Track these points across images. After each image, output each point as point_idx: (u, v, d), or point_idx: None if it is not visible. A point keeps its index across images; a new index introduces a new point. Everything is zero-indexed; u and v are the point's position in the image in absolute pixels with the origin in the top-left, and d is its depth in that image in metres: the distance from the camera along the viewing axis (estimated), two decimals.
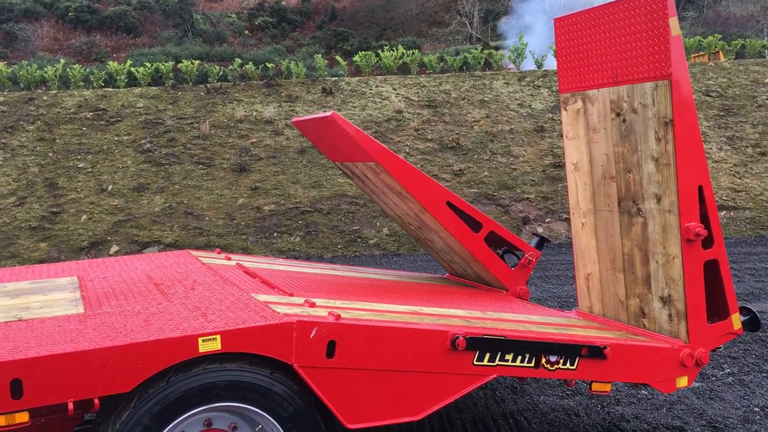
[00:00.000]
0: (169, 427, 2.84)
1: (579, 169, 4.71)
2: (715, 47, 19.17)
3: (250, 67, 17.33)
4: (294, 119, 5.30)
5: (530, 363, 3.58)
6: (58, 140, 14.17)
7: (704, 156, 4.05)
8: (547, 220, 12.67)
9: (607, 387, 3.85)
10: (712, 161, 14.11)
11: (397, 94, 16.23)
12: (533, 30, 27.91)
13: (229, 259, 5.22)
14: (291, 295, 3.73)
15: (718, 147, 14.61)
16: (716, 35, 19.92)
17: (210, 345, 2.87)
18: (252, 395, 2.97)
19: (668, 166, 3.98)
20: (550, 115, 15.42)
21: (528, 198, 13.11)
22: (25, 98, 15.47)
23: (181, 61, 18.09)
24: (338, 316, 3.18)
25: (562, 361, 3.65)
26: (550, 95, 16.17)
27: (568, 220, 12.40)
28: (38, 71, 16.76)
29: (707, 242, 4.07)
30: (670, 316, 4.13)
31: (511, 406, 4.93)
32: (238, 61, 17.92)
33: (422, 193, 4.68)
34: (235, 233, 12.08)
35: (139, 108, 15.41)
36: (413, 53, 18.21)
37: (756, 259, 10.25)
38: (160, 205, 12.61)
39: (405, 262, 10.96)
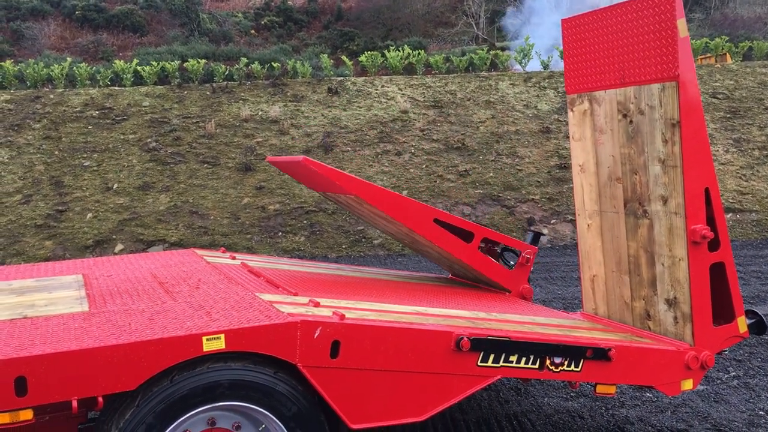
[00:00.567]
0: (172, 426, 2.84)
1: (585, 171, 4.70)
2: (722, 49, 19.10)
3: (256, 66, 17.34)
4: (269, 158, 5.39)
5: (534, 364, 3.57)
6: (64, 138, 14.21)
7: (711, 158, 4.03)
8: (552, 221, 12.65)
9: (612, 389, 3.84)
10: (719, 163, 14.07)
11: (403, 94, 16.22)
12: (538, 27, 27.84)
13: (233, 258, 5.23)
14: (295, 294, 3.73)
15: (725, 149, 14.56)
16: (723, 37, 19.85)
17: (214, 344, 2.87)
18: (256, 394, 2.97)
19: (675, 168, 3.97)
20: (556, 116, 15.40)
21: (533, 199, 13.09)
22: (32, 96, 15.51)
23: (187, 60, 18.12)
24: (342, 316, 3.17)
25: (566, 362, 3.64)
26: (555, 96, 16.14)
27: (573, 222, 12.38)
28: (45, 69, 16.80)
29: (713, 245, 4.06)
30: (675, 318, 4.11)
31: (515, 407, 4.92)
32: (244, 60, 17.93)
33: (408, 216, 4.72)
34: (240, 232, 12.09)
35: (145, 107, 15.44)
36: (419, 53, 18.20)
37: (762, 261, 10.21)
38: (166, 203, 12.62)
39: (409, 262, 10.96)
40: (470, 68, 18.30)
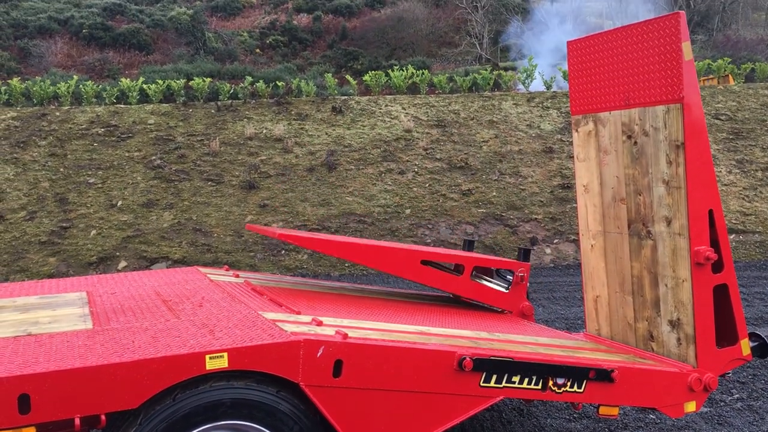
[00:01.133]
0: None
1: (589, 191, 4.71)
2: (725, 71, 19.18)
3: (260, 85, 17.44)
4: (248, 225, 5.51)
5: (537, 385, 3.56)
6: (69, 156, 14.27)
7: (715, 180, 4.04)
8: (555, 241, 12.64)
9: (615, 411, 3.83)
10: (722, 184, 14.07)
11: (407, 113, 16.29)
12: (542, 46, 27.99)
13: (237, 276, 5.23)
14: (298, 313, 3.73)
15: (728, 170, 14.57)
16: (726, 59, 19.93)
17: (217, 362, 2.87)
18: (258, 413, 2.96)
19: (679, 189, 3.98)
20: (559, 137, 15.44)
21: (536, 219, 13.09)
22: (38, 114, 15.61)
23: (192, 79, 18.23)
24: (345, 335, 3.17)
25: (569, 383, 3.63)
26: (559, 116, 16.19)
27: (576, 242, 12.36)
28: (51, 87, 16.91)
29: (717, 266, 4.06)
30: (678, 340, 4.10)
31: (518, 428, 4.89)
32: (249, 79, 18.04)
33: (394, 265, 4.80)
34: (243, 250, 12.10)
35: (150, 124, 15.52)
36: (423, 73, 18.30)
37: (765, 283, 10.18)
38: (169, 221, 12.65)
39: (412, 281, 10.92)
40: (473, 88, 18.39)
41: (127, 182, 13.64)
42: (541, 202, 13.53)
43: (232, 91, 17.54)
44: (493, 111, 16.45)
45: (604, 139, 4.51)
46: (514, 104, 16.78)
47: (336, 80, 18.79)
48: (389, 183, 13.90)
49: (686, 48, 3.86)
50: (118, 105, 16.57)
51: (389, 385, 3.21)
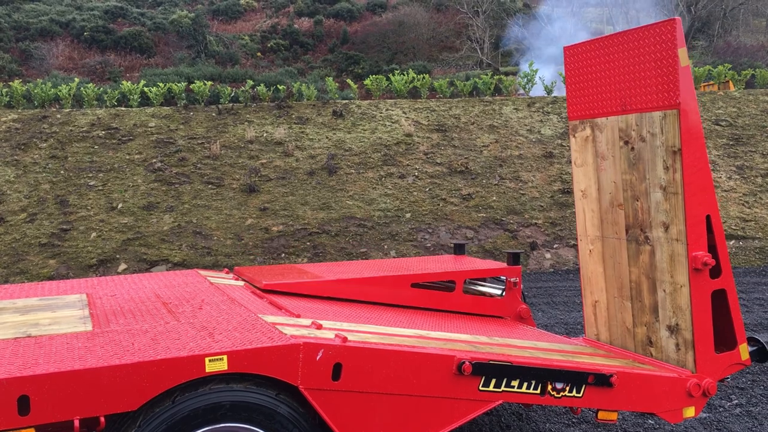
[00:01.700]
0: None
1: (587, 196, 4.73)
2: (725, 77, 19.22)
3: (261, 88, 17.47)
4: (236, 269, 5.54)
5: (536, 390, 3.57)
6: (70, 158, 14.29)
7: (712, 185, 4.06)
8: (554, 245, 12.65)
9: (614, 416, 3.83)
10: (722, 190, 14.09)
11: (407, 117, 16.31)
12: (543, 51, 28.03)
13: (237, 279, 5.24)
14: (298, 316, 3.74)
15: (728, 176, 14.59)
16: (726, 65, 19.97)
17: (216, 365, 2.88)
18: (257, 416, 2.97)
19: (676, 194, 3.99)
20: (559, 141, 15.46)
21: (536, 223, 13.10)
22: (39, 116, 15.63)
23: (193, 82, 18.26)
24: (345, 339, 3.18)
25: (568, 388, 3.64)
26: (559, 121, 16.22)
27: (576, 246, 12.37)
28: (52, 89, 16.94)
29: (715, 272, 4.07)
30: (677, 345, 4.11)
31: None
32: (250, 82, 18.07)
33: (385, 295, 4.83)
34: (243, 253, 12.11)
35: (151, 127, 15.54)
36: (423, 77, 18.33)
37: (765, 288, 10.19)
38: (169, 224, 12.66)
39: None
40: (474, 92, 18.42)
41: (128, 185, 13.65)
42: (541, 206, 13.54)
43: (233, 94, 17.57)
44: (493, 116, 16.47)
45: (602, 145, 4.52)
46: (515, 109, 16.80)
47: (337, 84, 18.83)
48: (389, 187, 13.92)
49: (682, 54, 3.87)
50: (119, 108, 16.60)
51: (388, 388, 3.22)
